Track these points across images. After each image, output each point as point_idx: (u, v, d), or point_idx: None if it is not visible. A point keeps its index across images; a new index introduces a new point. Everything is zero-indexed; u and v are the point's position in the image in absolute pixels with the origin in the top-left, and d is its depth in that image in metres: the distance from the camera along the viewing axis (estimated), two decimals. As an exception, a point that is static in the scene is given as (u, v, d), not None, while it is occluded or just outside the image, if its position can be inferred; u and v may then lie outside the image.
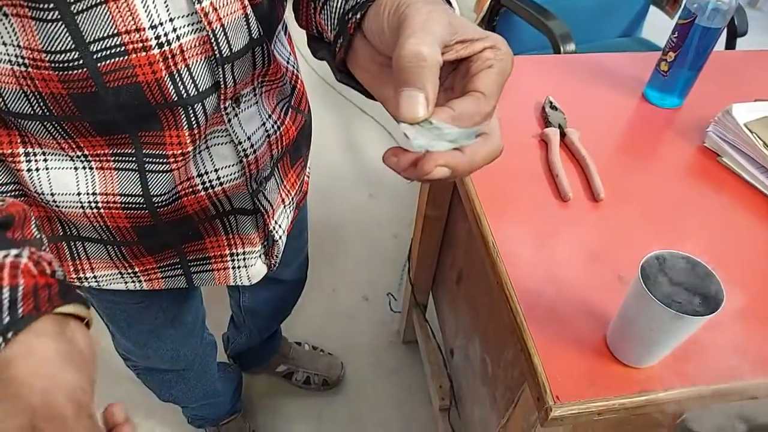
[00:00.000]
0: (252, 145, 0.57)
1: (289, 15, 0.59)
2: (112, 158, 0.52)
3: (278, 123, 0.61)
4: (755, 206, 0.77)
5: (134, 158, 0.52)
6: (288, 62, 0.63)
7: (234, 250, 0.65)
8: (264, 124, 0.58)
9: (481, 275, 0.91)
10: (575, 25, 1.38)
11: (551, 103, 0.87)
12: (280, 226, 0.68)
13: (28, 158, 0.51)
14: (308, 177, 0.78)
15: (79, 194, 0.53)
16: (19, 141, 0.50)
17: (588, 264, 0.68)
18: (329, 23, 0.43)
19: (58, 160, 0.52)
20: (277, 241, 0.68)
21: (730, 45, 1.53)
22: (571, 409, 0.55)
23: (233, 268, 0.66)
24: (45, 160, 0.52)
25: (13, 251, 0.33)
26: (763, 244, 0.73)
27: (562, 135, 0.83)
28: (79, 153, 0.51)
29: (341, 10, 0.41)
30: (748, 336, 0.62)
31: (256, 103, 0.56)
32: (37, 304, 0.32)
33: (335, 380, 1.40)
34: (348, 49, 0.40)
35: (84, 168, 0.52)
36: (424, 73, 0.31)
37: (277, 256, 0.70)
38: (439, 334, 1.32)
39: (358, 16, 0.38)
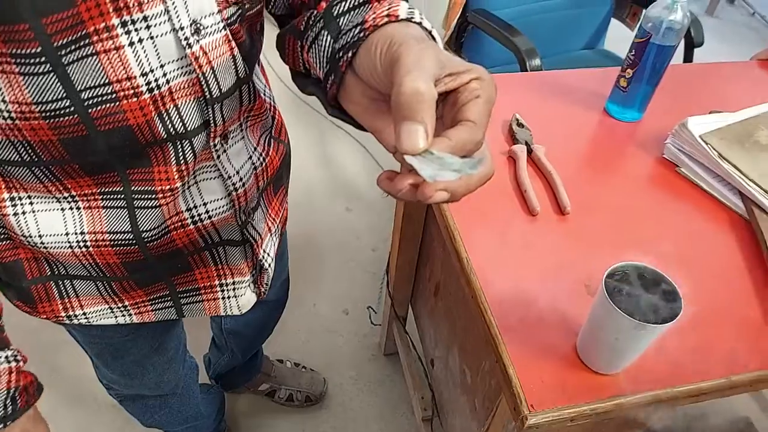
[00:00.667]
0: (241, 179, 0.58)
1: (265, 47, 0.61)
2: (100, 197, 0.53)
3: (263, 155, 0.62)
4: (713, 214, 0.82)
5: (123, 195, 0.53)
6: (264, 94, 0.65)
7: (224, 281, 0.66)
8: (251, 157, 0.60)
9: (457, 288, 0.94)
10: (540, 40, 1.43)
11: (518, 120, 0.91)
12: (268, 255, 0.69)
13: (13, 203, 0.52)
14: (287, 203, 0.80)
15: (67, 234, 0.54)
16: (3, 186, 0.51)
17: (557, 275, 0.71)
18: (318, 61, 0.44)
19: (45, 202, 0.52)
20: (266, 269, 0.69)
21: (688, 55, 1.59)
22: (546, 416, 0.58)
23: (223, 298, 0.67)
24: (31, 204, 0.52)
25: (7, 353, 0.52)
26: (721, 249, 0.77)
27: (529, 151, 0.86)
28: (66, 194, 0.52)
29: (330, 49, 0.43)
30: (709, 338, 0.66)
31: (243, 138, 0.58)
32: (28, 399, 0.53)
33: (318, 396, 1.41)
34: (340, 85, 0.42)
35: (71, 208, 0.53)
36: (422, 107, 0.33)
37: (266, 284, 0.71)
38: (419, 346, 1.34)
39: (350, 54, 0.39)
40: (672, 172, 0.88)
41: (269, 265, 0.70)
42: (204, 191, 0.57)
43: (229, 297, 0.67)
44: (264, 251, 0.68)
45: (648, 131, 0.95)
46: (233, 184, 0.58)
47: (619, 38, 1.74)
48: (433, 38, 0.41)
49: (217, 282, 0.66)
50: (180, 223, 0.57)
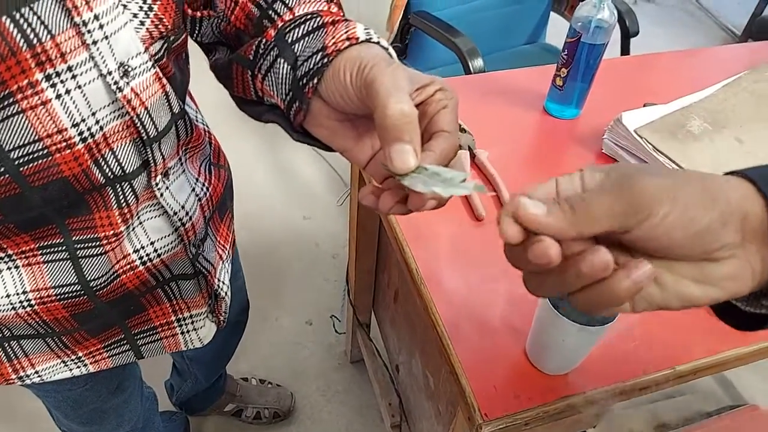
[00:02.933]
0: (187, 213, 0.57)
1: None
2: (40, 252, 0.50)
3: (206, 184, 0.61)
4: (651, 205, 0.84)
5: (64, 247, 0.50)
6: (196, 120, 0.64)
7: (180, 315, 0.65)
8: (194, 189, 0.59)
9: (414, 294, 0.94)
10: (482, 38, 1.45)
11: (460, 125, 0.92)
12: (223, 283, 0.68)
13: None
14: (233, 226, 0.78)
15: (8, 296, 0.52)
16: None
17: (505, 280, 0.72)
18: (277, 90, 0.44)
19: None
20: (223, 297, 0.68)
21: (625, 45, 1.64)
22: (500, 424, 0.59)
23: (182, 333, 0.66)
24: None
25: None
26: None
27: (472, 156, 0.87)
28: (2, 254, 0.50)
29: (290, 77, 0.42)
30: (656, 330, 0.68)
31: (184, 171, 0.57)
32: None
33: (286, 411, 1.40)
34: (307, 112, 0.41)
35: (9, 268, 0.51)
36: (409, 128, 0.34)
37: (225, 313, 0.70)
38: (384, 352, 1.34)
39: (315, 81, 0.39)
40: (611, 166, 0.90)
41: (225, 293, 0.68)
42: (150, 230, 0.55)
43: (188, 331, 0.66)
44: (218, 280, 0.67)
45: (587, 127, 0.97)
46: (180, 219, 0.56)
47: (560, 32, 1.77)
48: (391, 56, 0.41)
49: (173, 318, 0.64)
50: (129, 266, 0.55)
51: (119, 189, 0.48)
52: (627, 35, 1.62)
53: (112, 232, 0.51)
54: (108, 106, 0.43)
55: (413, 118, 0.34)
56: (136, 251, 0.55)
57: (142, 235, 0.55)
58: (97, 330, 0.60)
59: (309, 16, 0.44)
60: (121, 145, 0.46)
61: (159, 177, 0.52)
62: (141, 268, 0.56)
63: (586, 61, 0.91)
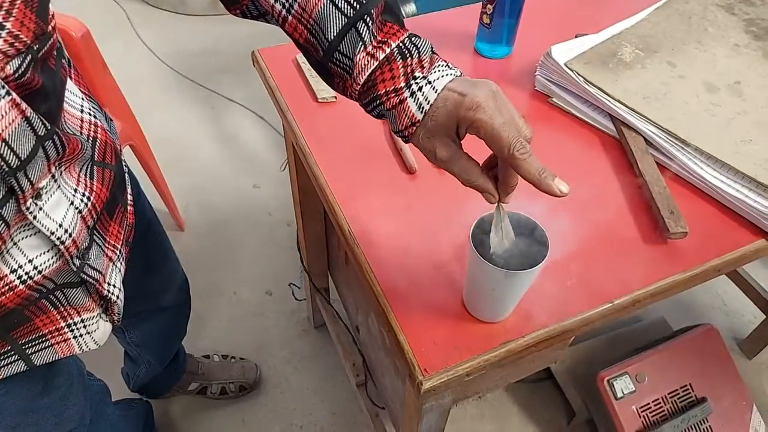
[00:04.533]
0: (66, 230, 0.52)
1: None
2: None
3: (87, 193, 0.56)
4: (586, 140, 0.83)
5: None
6: (82, 111, 0.58)
7: (70, 320, 0.60)
8: (72, 202, 0.54)
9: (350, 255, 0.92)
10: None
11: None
12: (114, 287, 0.63)
13: None
14: (131, 205, 0.73)
15: None
16: None
17: (440, 231, 0.70)
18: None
19: None
20: (115, 301, 0.64)
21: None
22: (441, 378, 0.58)
23: (74, 337, 0.62)
24: None
25: None
26: (596, 174, 0.78)
27: (401, 106, 0.83)
28: None
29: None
30: (592, 265, 0.67)
31: (59, 187, 0.51)
32: None
33: (252, 383, 1.39)
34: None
35: None
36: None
37: (118, 313, 0.66)
38: (344, 314, 1.33)
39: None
40: (545, 103, 0.88)
41: (117, 297, 0.64)
42: (26, 249, 0.50)
43: (80, 335, 0.62)
44: (108, 284, 0.62)
45: (519, 65, 0.94)
46: (58, 238, 0.51)
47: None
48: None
49: (63, 324, 0.60)
50: (7, 287, 0.51)
51: None
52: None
53: None
54: None
55: None
56: (13, 271, 0.51)
57: (18, 255, 0.50)
58: None
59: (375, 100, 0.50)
60: None
61: (30, 201, 0.47)
62: (21, 287, 0.52)
63: (511, -5, 0.87)
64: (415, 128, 0.48)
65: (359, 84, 0.49)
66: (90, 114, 0.60)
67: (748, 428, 1.30)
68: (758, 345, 1.53)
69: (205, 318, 1.55)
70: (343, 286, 1.28)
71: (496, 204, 0.51)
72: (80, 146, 0.53)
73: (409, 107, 0.47)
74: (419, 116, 0.47)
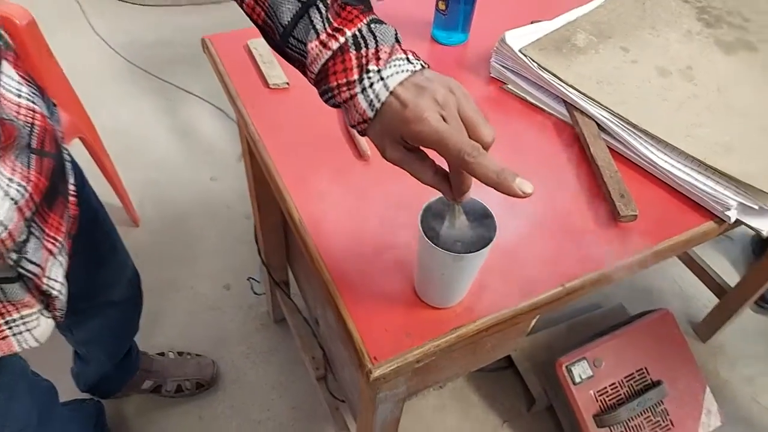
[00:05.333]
0: (0, 222, 0.49)
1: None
2: None
3: (23, 183, 0.52)
4: (541, 126, 0.82)
5: None
6: (20, 96, 0.54)
7: (9, 318, 0.56)
8: (7, 194, 0.50)
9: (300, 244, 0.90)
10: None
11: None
12: (55, 281, 0.60)
13: None
14: (73, 196, 0.69)
15: None
16: None
17: (393, 218, 0.68)
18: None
19: None
20: (56, 296, 0.61)
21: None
22: (390, 365, 0.56)
23: (14, 335, 0.58)
24: None
25: None
26: (550, 160, 0.78)
27: (354, 91, 0.82)
28: None
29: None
30: (538, 255, 0.66)
31: None
32: None
33: (209, 380, 1.35)
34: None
35: None
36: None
37: (61, 309, 0.63)
38: (304, 307, 1.31)
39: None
40: (500, 90, 0.87)
41: (59, 292, 0.61)
42: None
43: (20, 332, 0.58)
44: (48, 279, 0.59)
45: (475, 52, 0.93)
46: None
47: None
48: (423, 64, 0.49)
49: (1, 321, 0.56)
50: None
51: None
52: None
53: None
54: None
55: None
56: None
57: None
58: None
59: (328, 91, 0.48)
60: None
61: None
62: None
63: (465, -20, 0.86)
64: (366, 125, 0.47)
65: (314, 73, 0.47)
66: (29, 99, 0.56)
67: (702, 409, 1.33)
68: (712, 329, 1.57)
69: (160, 314, 1.51)
70: (302, 278, 1.25)
71: (452, 202, 0.50)
72: (16, 132, 0.49)
73: (359, 104, 0.45)
74: (370, 114, 0.45)
